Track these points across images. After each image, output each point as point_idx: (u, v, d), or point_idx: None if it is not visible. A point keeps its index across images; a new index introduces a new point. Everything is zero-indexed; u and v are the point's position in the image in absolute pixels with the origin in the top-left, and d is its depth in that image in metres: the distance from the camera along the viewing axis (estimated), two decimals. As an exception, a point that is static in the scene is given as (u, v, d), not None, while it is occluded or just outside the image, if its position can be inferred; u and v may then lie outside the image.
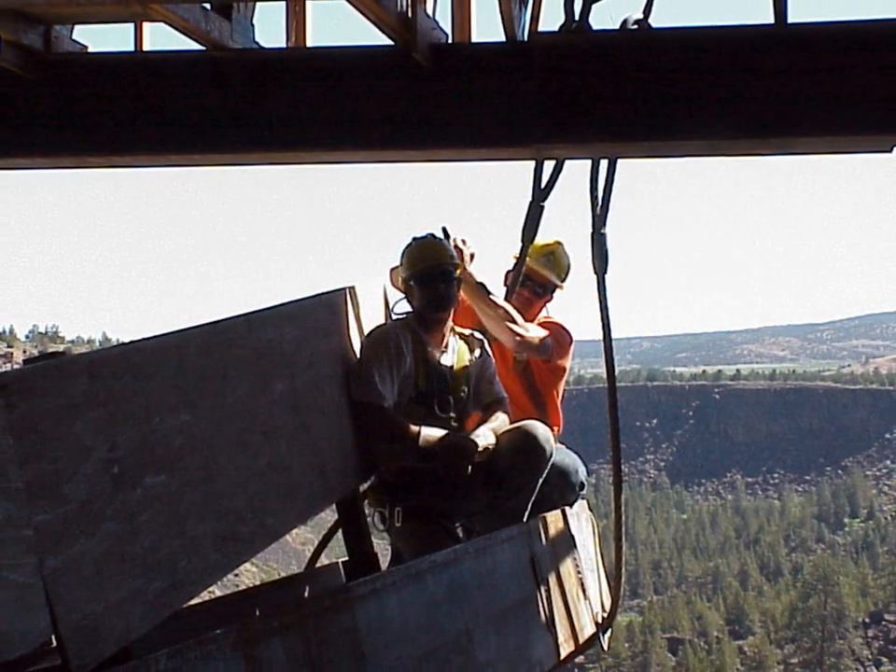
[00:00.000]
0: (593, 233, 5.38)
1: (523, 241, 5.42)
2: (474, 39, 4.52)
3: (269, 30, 4.67)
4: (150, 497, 2.81)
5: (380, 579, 3.69)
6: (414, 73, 4.31)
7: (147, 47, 4.77)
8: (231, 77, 4.45)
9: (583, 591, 5.22)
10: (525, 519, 4.74)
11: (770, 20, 4.17)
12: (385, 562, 4.78)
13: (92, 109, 4.57)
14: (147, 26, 4.74)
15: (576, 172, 5.40)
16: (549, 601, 4.75)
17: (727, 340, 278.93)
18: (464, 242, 5.05)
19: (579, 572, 5.19)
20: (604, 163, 5.27)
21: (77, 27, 4.72)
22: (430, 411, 4.67)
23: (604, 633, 5.44)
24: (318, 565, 5.14)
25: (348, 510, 4.61)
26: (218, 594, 4.59)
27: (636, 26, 4.41)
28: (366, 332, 4.66)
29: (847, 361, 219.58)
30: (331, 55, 4.55)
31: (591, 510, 5.63)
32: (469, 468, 4.58)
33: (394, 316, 4.97)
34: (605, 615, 5.45)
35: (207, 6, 4.24)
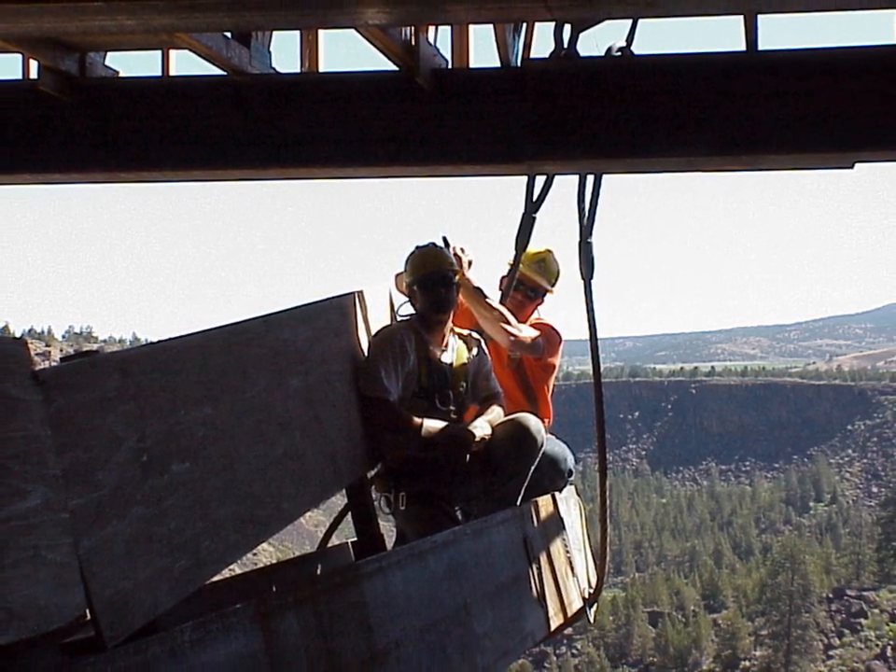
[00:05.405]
0: (580, 242, 5.38)
1: (516, 249, 5.42)
2: (472, 65, 4.53)
3: (284, 56, 4.67)
4: (176, 483, 2.80)
5: (386, 558, 3.69)
6: (417, 96, 4.31)
7: (173, 72, 4.78)
8: (250, 99, 4.46)
9: (572, 569, 5.22)
10: (518, 503, 4.74)
11: (742, 47, 4.18)
12: (390, 542, 4.77)
13: (123, 129, 4.58)
14: (173, 53, 4.75)
15: (565, 186, 5.41)
16: (540, 578, 4.75)
17: (703, 339, 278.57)
18: (462, 250, 5.05)
19: (567, 552, 5.19)
20: (590, 178, 5.27)
21: (109, 54, 4.73)
22: (432, 404, 4.67)
23: (590, 607, 5.44)
24: (329, 545, 5.13)
25: (357, 494, 4.60)
26: (238, 571, 4.58)
27: (619, 53, 4.41)
28: (373, 332, 4.66)
29: (812, 359, 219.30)
30: (341, 79, 4.55)
31: (578, 494, 5.63)
32: (467, 456, 4.58)
33: (398, 318, 4.97)
34: (591, 591, 5.46)
35: (228, 34, 4.25)
